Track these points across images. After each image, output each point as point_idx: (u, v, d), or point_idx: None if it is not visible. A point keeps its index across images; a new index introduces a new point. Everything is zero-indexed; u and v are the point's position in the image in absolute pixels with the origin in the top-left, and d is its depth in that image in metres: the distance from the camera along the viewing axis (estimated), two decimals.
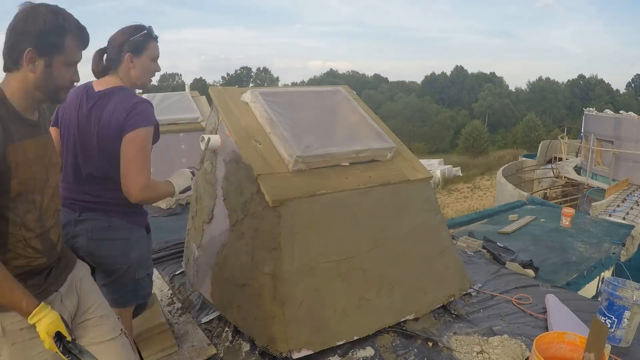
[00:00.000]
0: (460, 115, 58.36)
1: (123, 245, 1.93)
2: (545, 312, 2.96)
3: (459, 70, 68.65)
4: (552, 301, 3.06)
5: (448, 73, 68.89)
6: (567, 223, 6.34)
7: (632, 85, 67.87)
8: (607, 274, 5.06)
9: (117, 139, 1.80)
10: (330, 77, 66.10)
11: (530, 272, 4.04)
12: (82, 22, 1.48)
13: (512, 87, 70.05)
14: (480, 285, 3.40)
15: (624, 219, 8.83)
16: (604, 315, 2.64)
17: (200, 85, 47.53)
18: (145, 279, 2.08)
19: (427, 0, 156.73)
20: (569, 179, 15.26)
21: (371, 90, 64.29)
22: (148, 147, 1.85)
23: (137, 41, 1.91)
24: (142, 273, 2.03)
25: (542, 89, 63.25)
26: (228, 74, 68.28)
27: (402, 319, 2.73)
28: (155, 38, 2.00)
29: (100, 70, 1.96)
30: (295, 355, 2.33)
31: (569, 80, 67.44)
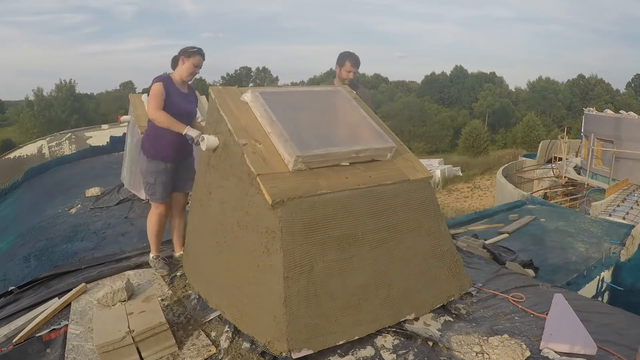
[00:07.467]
0: (460, 115, 58.32)
1: None
2: (545, 311, 2.95)
3: (459, 70, 68.54)
4: (557, 301, 3.01)
5: (448, 73, 68.85)
6: None
7: (632, 85, 67.70)
8: (607, 274, 5.06)
9: None
10: (330, 77, 65.71)
11: (530, 272, 4.03)
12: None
13: (512, 87, 70.07)
14: (480, 285, 3.40)
15: (624, 218, 8.84)
16: None
17: (200, 85, 47.48)
18: None
19: (509, 33, 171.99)
20: (569, 178, 15.28)
21: (371, 90, 64.18)
22: (154, 92, 3.28)
23: (189, 51, 3.39)
24: None
25: (542, 88, 63.14)
26: (228, 74, 68.05)
27: (402, 319, 2.73)
28: (199, 52, 3.40)
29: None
30: (295, 355, 2.33)
31: (568, 80, 67.26)
